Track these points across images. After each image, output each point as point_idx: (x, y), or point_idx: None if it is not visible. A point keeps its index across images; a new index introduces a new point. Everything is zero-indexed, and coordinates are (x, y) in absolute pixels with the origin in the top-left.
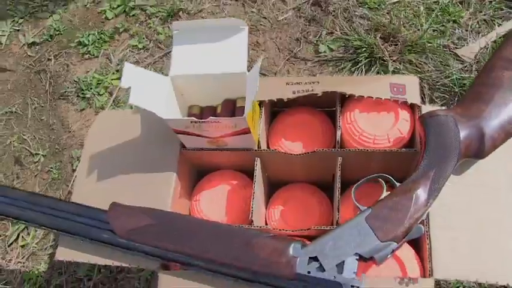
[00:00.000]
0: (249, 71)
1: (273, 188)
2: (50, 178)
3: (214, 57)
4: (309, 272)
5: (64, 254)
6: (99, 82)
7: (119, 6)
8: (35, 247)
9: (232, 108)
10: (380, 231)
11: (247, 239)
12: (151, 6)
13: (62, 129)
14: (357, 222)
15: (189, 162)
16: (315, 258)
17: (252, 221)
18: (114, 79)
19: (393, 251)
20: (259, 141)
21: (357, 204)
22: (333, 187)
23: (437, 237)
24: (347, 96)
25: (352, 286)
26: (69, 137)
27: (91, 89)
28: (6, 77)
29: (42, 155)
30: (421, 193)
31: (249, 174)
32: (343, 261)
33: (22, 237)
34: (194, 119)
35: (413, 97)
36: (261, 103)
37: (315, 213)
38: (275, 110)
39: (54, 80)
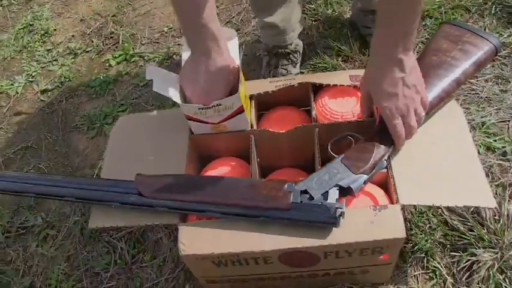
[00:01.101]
0: None
1: (263, 175)
2: None
3: None
4: (301, 201)
5: (96, 222)
6: (107, 114)
7: (120, 55)
8: (53, 252)
9: None
10: (353, 167)
11: (251, 183)
12: (149, 53)
13: (74, 154)
14: (335, 163)
15: (196, 148)
16: (305, 191)
17: None
18: (121, 111)
19: (365, 182)
20: (252, 125)
21: (333, 154)
22: (314, 169)
23: (399, 175)
24: (317, 85)
25: (336, 208)
26: (82, 160)
27: (100, 120)
28: (21, 119)
29: None
30: (381, 141)
31: (245, 159)
32: (327, 192)
33: (42, 246)
34: (202, 105)
35: None
36: (251, 97)
37: None
38: (261, 113)
39: (66, 116)
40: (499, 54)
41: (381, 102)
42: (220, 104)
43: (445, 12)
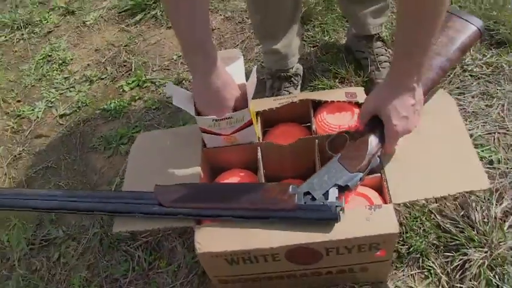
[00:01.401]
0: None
1: None
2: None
3: None
4: (305, 202)
5: (119, 227)
6: (123, 135)
7: (133, 81)
8: (75, 262)
9: None
10: (349, 166)
11: (260, 187)
12: (160, 79)
13: (92, 173)
14: (332, 163)
15: (209, 160)
16: (307, 193)
17: None
18: (135, 132)
19: (361, 179)
20: (259, 138)
21: (330, 153)
22: None
23: (390, 177)
24: (316, 101)
25: (336, 206)
26: (99, 178)
27: (116, 140)
28: (42, 141)
29: None
30: (373, 139)
31: (252, 170)
32: (327, 191)
33: (64, 256)
34: (215, 117)
35: (363, 100)
36: (257, 113)
37: None
38: (266, 130)
39: (83, 138)
40: (483, 37)
41: (392, 121)
42: (231, 117)
43: None
